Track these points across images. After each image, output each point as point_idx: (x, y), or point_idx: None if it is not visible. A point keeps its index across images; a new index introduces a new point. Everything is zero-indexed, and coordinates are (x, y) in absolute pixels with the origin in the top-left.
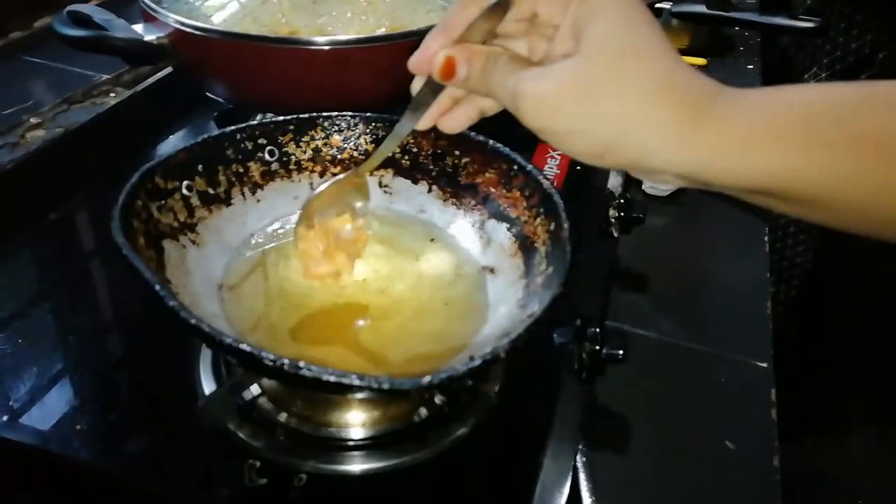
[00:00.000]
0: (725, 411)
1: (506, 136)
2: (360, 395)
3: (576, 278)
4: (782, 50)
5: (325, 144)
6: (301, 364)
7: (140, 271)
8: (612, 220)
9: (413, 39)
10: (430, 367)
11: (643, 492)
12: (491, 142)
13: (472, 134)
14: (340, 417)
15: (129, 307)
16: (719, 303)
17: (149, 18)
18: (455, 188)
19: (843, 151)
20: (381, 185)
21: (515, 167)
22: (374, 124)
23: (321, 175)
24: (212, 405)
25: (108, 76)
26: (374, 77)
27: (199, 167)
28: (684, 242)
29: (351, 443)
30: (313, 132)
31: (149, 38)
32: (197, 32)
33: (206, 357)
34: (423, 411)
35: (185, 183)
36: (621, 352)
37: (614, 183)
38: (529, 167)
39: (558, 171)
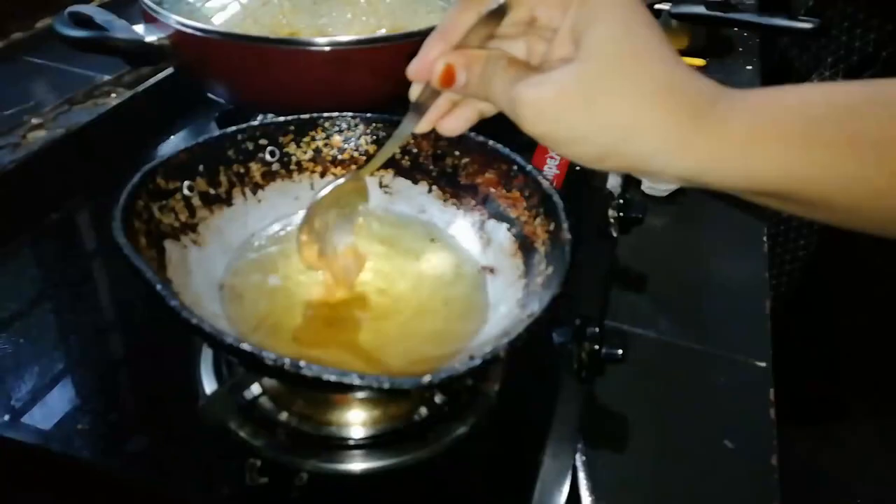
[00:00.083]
0: (724, 411)
1: (505, 136)
2: (360, 395)
3: (575, 278)
4: (782, 51)
5: (325, 145)
6: (302, 363)
7: (141, 271)
8: (612, 220)
9: (413, 40)
10: (430, 366)
11: (642, 491)
12: (491, 142)
13: (472, 134)
14: (341, 417)
15: (130, 307)
16: (718, 302)
17: (150, 19)
18: (455, 188)
19: (842, 152)
20: (381, 185)
21: (515, 167)
22: (374, 125)
23: (322, 175)
24: (213, 405)
25: (109, 77)
26: (375, 78)
27: (201, 167)
28: (683, 242)
29: (351, 442)
30: (314, 133)
31: (150, 38)
32: (198, 33)
33: (206, 357)
34: (424, 410)
35: (186, 183)
36: (620, 351)
37: (613, 183)
38: (529, 167)
39: (558, 172)
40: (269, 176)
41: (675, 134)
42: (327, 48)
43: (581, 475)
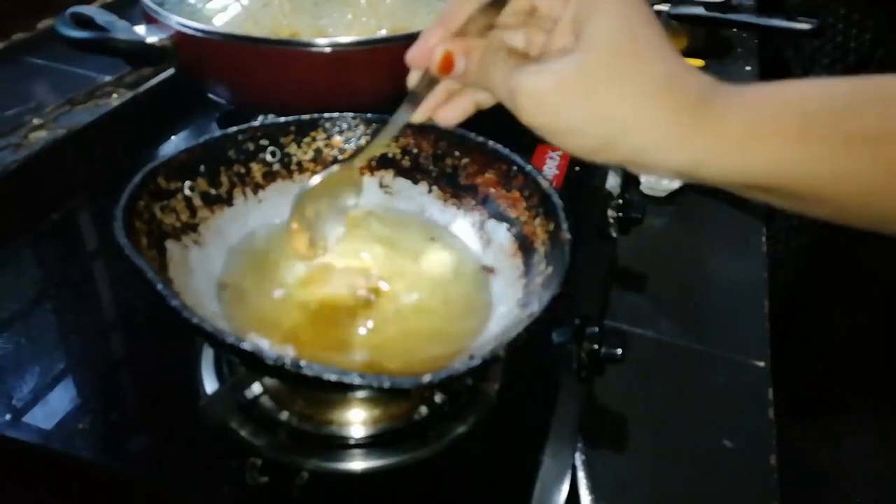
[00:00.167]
0: (723, 410)
1: (505, 136)
2: (360, 394)
3: (575, 278)
4: (776, 50)
5: (326, 145)
6: (302, 363)
7: (142, 271)
8: (611, 220)
9: (413, 41)
10: (430, 366)
11: (641, 490)
12: (490, 142)
13: (472, 135)
14: (341, 416)
15: (131, 307)
16: (717, 302)
17: (151, 20)
18: (455, 188)
19: (838, 148)
20: (381, 185)
21: (515, 168)
22: (374, 125)
23: None
24: (213, 404)
25: (110, 77)
26: (375, 78)
27: (201, 168)
28: (682, 242)
29: (352, 441)
30: (314, 133)
31: (151, 39)
32: (199, 34)
33: (207, 356)
34: (424, 410)
35: (187, 183)
36: (620, 351)
37: (613, 183)
38: (529, 168)
39: (557, 172)
40: (270, 176)
41: (674, 129)
42: (328, 49)
43: (580, 474)
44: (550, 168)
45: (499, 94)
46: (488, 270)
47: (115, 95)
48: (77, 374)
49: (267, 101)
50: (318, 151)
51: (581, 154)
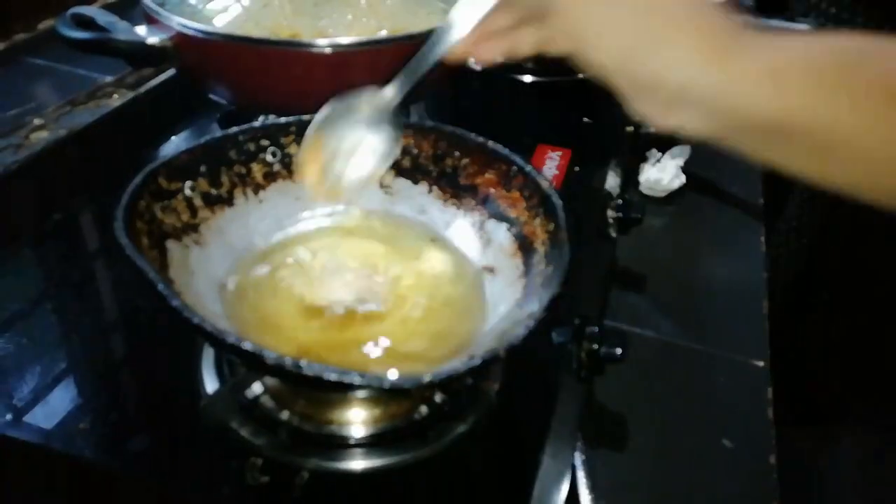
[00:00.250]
0: (723, 410)
1: (505, 137)
2: (361, 394)
3: (574, 278)
4: None
5: None
6: (303, 363)
7: (144, 271)
8: (611, 220)
9: (414, 42)
10: (430, 365)
11: (641, 490)
12: (490, 143)
13: (472, 135)
14: (342, 415)
15: (132, 307)
16: (717, 302)
17: (151, 21)
18: (455, 189)
19: (864, 96)
20: (381, 185)
21: (514, 168)
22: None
23: None
24: (214, 404)
25: (111, 78)
26: (375, 79)
27: (202, 168)
28: (682, 243)
29: (352, 441)
30: None
31: (151, 40)
32: (199, 35)
33: (208, 356)
34: (424, 409)
35: (188, 184)
36: (620, 351)
37: (612, 183)
38: (528, 168)
39: (557, 172)
40: (271, 176)
41: (706, 46)
42: (328, 50)
43: (580, 474)
44: (550, 168)
45: None
46: (488, 270)
47: (115, 96)
48: (78, 374)
49: (267, 102)
50: None
51: (607, 64)
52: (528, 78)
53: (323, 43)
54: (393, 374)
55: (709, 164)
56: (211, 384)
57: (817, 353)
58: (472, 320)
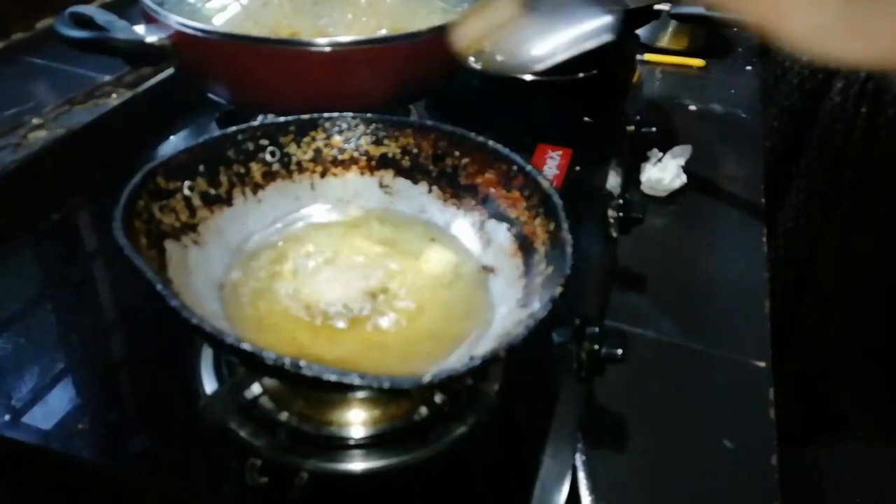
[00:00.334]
0: (724, 411)
1: (505, 136)
2: (360, 394)
3: (575, 278)
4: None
5: (326, 145)
6: (302, 363)
7: (142, 271)
8: (611, 220)
9: (414, 41)
10: (429, 366)
11: (642, 491)
12: (490, 142)
13: (472, 135)
14: (341, 416)
15: (130, 307)
16: (718, 302)
17: (150, 20)
18: (455, 188)
19: None
20: (381, 185)
21: (515, 168)
22: (374, 125)
23: (322, 175)
24: (213, 404)
25: (109, 77)
26: (375, 78)
27: (201, 168)
28: (683, 242)
29: (352, 441)
30: (314, 133)
31: (150, 39)
32: (198, 34)
33: (207, 356)
34: (424, 410)
35: (186, 183)
36: (620, 351)
37: (613, 183)
38: (529, 168)
39: (557, 172)
40: (270, 176)
41: None
42: (328, 49)
43: (581, 475)
44: (550, 168)
45: None
46: (488, 270)
47: (114, 95)
48: (77, 374)
49: (266, 101)
50: (317, 151)
51: None
52: (528, 77)
53: (322, 42)
54: (392, 375)
55: (710, 164)
56: (210, 384)
57: (819, 354)
58: (471, 320)
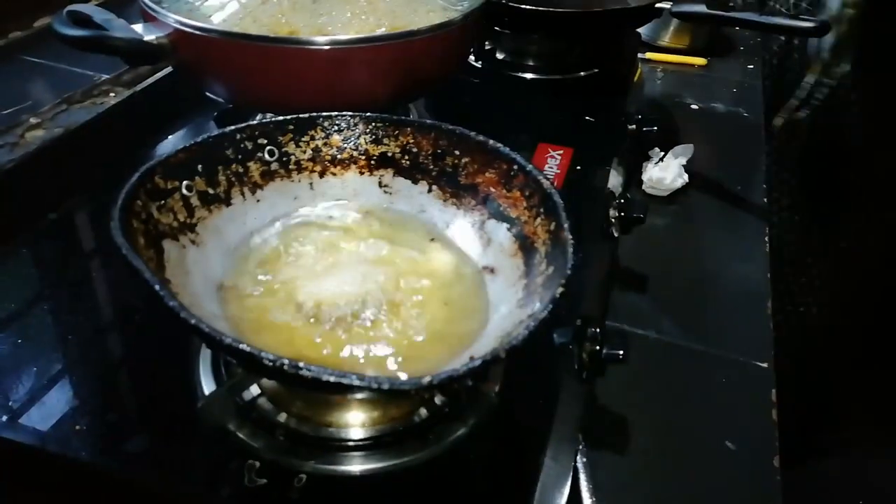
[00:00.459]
0: (726, 411)
1: (506, 136)
2: (359, 396)
3: (576, 278)
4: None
5: (325, 144)
6: (301, 364)
7: (140, 271)
8: (613, 219)
9: (413, 39)
10: (429, 367)
11: (643, 492)
12: (491, 142)
13: (473, 134)
14: (340, 418)
15: (128, 307)
16: (720, 303)
17: (148, 18)
18: (455, 188)
19: None
20: (380, 184)
21: (515, 167)
22: (373, 124)
23: (321, 175)
24: (211, 405)
25: (107, 76)
26: (374, 77)
27: (199, 167)
28: (685, 242)
29: (351, 443)
30: (313, 132)
31: (148, 37)
32: (197, 32)
33: (205, 357)
34: (424, 411)
35: (184, 183)
36: (621, 352)
37: (614, 183)
38: (529, 167)
39: (558, 171)
40: (268, 175)
41: None
42: (327, 47)
43: (582, 476)
44: (551, 167)
45: None
46: (488, 271)
47: (112, 94)
48: (74, 374)
49: (265, 100)
50: (316, 150)
51: None
52: (529, 76)
53: (321, 40)
54: (391, 376)
55: (712, 164)
56: (208, 385)
57: (821, 354)
58: (472, 321)
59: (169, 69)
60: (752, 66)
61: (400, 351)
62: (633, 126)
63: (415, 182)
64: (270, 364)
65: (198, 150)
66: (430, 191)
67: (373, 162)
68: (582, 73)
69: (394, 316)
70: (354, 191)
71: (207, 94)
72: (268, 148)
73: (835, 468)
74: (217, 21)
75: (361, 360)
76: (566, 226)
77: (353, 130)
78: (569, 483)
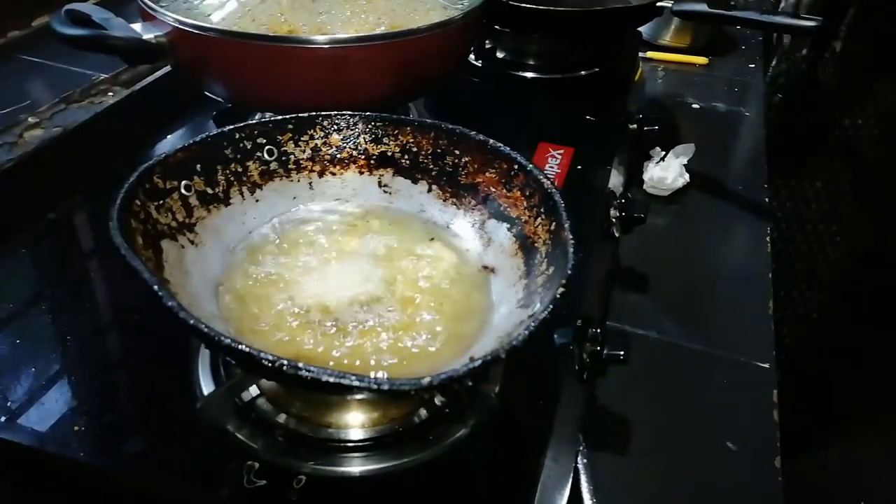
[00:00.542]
0: (727, 412)
1: (506, 135)
2: (359, 396)
3: (576, 278)
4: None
5: (324, 144)
6: (300, 364)
7: (138, 271)
8: (613, 219)
9: (413, 38)
10: (429, 367)
11: (644, 493)
12: (491, 141)
13: (473, 133)
14: (340, 418)
15: (127, 307)
16: (721, 303)
17: (147, 17)
18: (455, 188)
19: None
20: (380, 184)
21: (516, 167)
22: (373, 123)
23: (320, 175)
24: (210, 406)
25: (106, 75)
26: (374, 76)
27: (198, 167)
28: (686, 242)
29: (350, 444)
30: (312, 131)
31: (147, 36)
32: (196, 31)
33: (204, 357)
34: (423, 412)
35: (183, 182)
36: (622, 352)
37: (615, 182)
38: (530, 167)
39: (559, 171)
40: (268, 175)
41: None
42: (326, 46)
43: (582, 477)
44: (552, 167)
45: None
46: (489, 270)
47: (110, 93)
48: (73, 375)
49: (264, 99)
50: (315, 150)
51: None
52: (529, 75)
53: (321, 39)
54: (391, 377)
55: (713, 163)
56: (207, 386)
57: (824, 355)
58: (472, 321)
59: (168, 68)
60: (753, 65)
61: (399, 351)
62: (634, 125)
63: (414, 182)
64: (269, 364)
65: (197, 150)
66: (429, 190)
67: (372, 161)
68: (583, 73)
69: (393, 316)
70: (354, 190)
71: (206, 93)
72: (267, 147)
73: (837, 467)
74: (216, 20)
75: (360, 361)
76: (567, 226)
77: (352, 130)
78: (569, 484)
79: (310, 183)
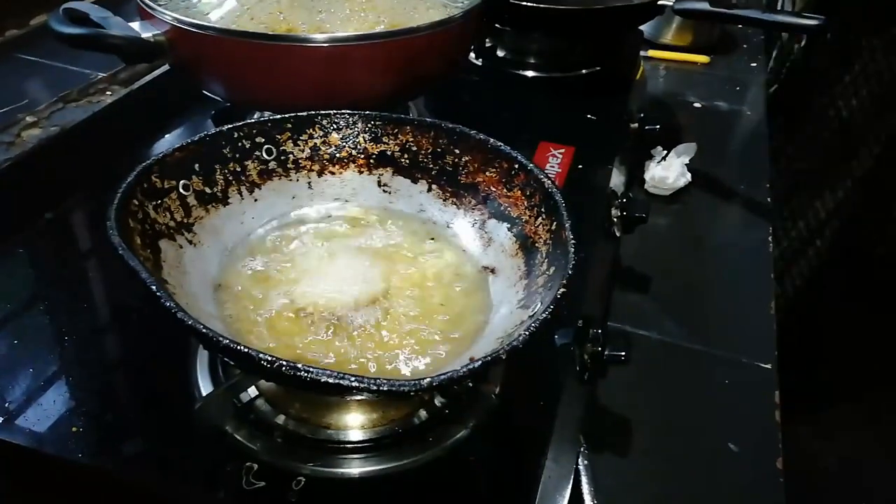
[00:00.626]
0: (728, 413)
1: (507, 134)
2: (358, 397)
3: (577, 278)
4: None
5: (323, 143)
6: (299, 365)
7: (136, 271)
8: (615, 219)
9: (412, 37)
10: (429, 367)
11: (645, 494)
12: (492, 140)
13: (473, 132)
14: (339, 419)
15: (125, 308)
16: (722, 304)
17: (146, 16)
18: (455, 187)
19: None
20: (379, 183)
21: (516, 166)
22: (372, 122)
23: (319, 174)
24: (209, 407)
25: (104, 74)
26: (373, 74)
27: (196, 166)
28: (687, 242)
29: (350, 445)
30: (311, 130)
31: (146, 35)
32: (194, 30)
33: (203, 358)
34: (423, 413)
35: (181, 182)
36: (623, 353)
37: (616, 182)
38: (531, 166)
39: (560, 170)
40: (266, 174)
41: None
42: (325, 44)
43: (583, 478)
44: (553, 166)
45: None
46: (489, 271)
47: (109, 93)
48: (71, 375)
49: (263, 98)
50: (314, 149)
51: None
52: (530, 73)
53: (320, 38)
54: (390, 377)
55: (715, 162)
56: (206, 386)
57: (826, 355)
58: (472, 322)
59: (166, 67)
60: (755, 64)
61: (399, 352)
62: (636, 124)
63: (414, 181)
64: (268, 365)
65: (195, 149)
66: (429, 190)
67: (372, 161)
68: (584, 71)
69: (393, 316)
70: (353, 190)
71: (205, 92)
72: (266, 147)
73: (840, 469)
74: (214, 18)
75: (360, 361)
76: (567, 225)
77: (351, 129)
78: (570, 485)
79: (309, 182)
